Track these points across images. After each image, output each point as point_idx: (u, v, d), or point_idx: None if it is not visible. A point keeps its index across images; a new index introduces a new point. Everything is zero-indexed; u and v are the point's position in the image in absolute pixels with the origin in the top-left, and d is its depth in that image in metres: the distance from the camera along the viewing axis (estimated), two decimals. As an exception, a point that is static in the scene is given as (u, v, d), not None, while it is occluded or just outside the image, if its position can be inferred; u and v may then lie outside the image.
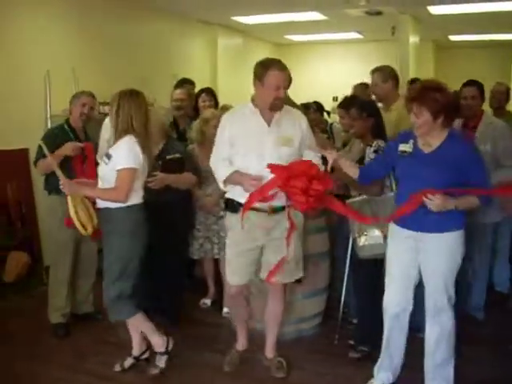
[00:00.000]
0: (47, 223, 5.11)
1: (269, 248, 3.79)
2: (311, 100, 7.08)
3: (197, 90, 6.35)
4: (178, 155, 4.67)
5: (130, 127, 3.67)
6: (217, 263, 5.17)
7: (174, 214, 4.55)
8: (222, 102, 9.29)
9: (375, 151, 4.07)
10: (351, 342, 4.32)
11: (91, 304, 4.93)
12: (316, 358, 4.33)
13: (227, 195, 3.85)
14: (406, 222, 3.46)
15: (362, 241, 4.03)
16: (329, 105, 8.67)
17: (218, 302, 5.17)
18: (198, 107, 5.93)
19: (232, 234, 3.85)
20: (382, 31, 9.95)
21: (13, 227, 5.74)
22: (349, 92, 6.67)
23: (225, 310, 5.01)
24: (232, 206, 3.78)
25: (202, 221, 5.03)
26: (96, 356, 4.32)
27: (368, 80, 5.31)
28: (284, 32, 11.57)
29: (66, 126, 4.64)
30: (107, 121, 5.77)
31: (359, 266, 4.19)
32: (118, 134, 3.69)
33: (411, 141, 3.48)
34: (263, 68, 3.65)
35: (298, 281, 4.12)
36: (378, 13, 8.81)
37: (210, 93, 6.06)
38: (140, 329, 3.98)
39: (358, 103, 4.43)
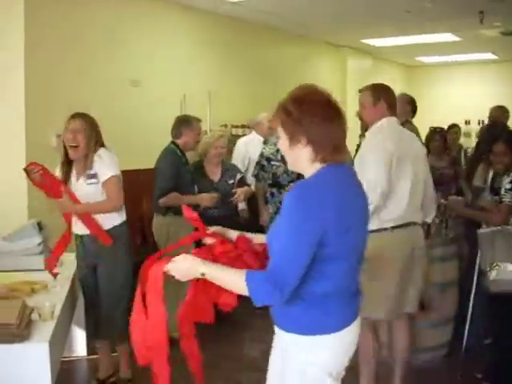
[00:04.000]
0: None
1: None
2: (440, 124, 6.93)
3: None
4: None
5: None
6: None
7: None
8: (350, 123, 9.31)
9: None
10: (478, 376, 4.15)
11: None
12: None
13: None
14: None
15: (493, 275, 3.85)
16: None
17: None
18: None
19: None
20: (518, 51, 9.60)
21: (146, 242, 6.04)
22: (485, 115, 6.48)
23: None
24: None
25: None
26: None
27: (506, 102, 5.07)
28: (415, 53, 11.43)
29: (178, 151, 4.79)
30: (240, 142, 6.05)
31: (496, 301, 4.00)
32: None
33: None
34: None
35: (423, 307, 4.04)
36: (515, 33, 8.49)
37: None
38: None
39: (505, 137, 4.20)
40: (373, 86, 3.74)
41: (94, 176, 3.68)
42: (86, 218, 3.70)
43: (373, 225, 3.35)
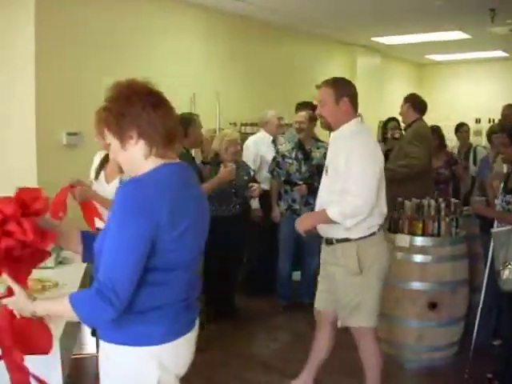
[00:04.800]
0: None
1: None
2: (451, 123, 6.92)
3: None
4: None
5: None
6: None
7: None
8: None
9: None
10: (489, 376, 4.13)
11: None
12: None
13: None
14: None
15: (505, 274, 3.82)
16: (471, 127, 8.39)
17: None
18: None
19: None
20: (530, 50, 9.56)
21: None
22: (495, 113, 6.46)
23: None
24: None
25: None
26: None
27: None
28: (425, 52, 11.38)
29: (185, 151, 4.76)
30: (249, 142, 6.06)
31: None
32: None
33: None
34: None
35: (433, 306, 4.02)
36: (526, 31, 8.44)
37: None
38: None
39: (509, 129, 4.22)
40: (334, 82, 3.49)
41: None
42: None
43: (359, 232, 3.39)
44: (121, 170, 3.56)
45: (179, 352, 2.08)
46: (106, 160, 3.76)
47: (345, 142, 3.40)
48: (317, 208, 3.60)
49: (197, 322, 2.19)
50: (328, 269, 3.59)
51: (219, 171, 4.82)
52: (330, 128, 3.59)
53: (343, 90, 3.44)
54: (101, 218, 3.45)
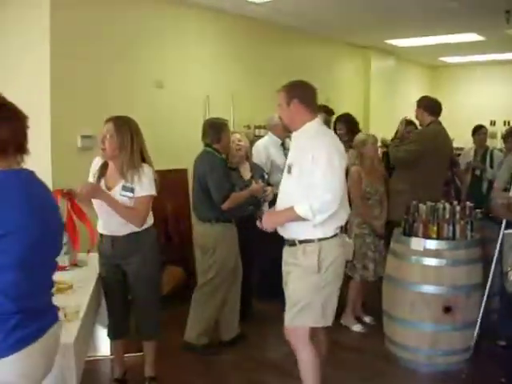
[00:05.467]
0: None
1: None
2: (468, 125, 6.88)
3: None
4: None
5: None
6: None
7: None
8: (373, 123, 9.31)
9: None
10: (502, 380, 4.10)
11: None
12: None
13: None
14: None
15: None
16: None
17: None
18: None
19: None
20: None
21: (170, 242, 6.09)
22: (511, 115, 6.44)
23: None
24: None
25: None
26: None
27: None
28: (438, 54, 11.31)
29: (218, 154, 4.79)
30: (259, 146, 6.04)
31: None
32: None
33: None
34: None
35: (448, 310, 4.00)
36: (541, 33, 8.37)
37: (342, 121, 6.23)
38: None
39: None
40: (287, 85, 3.59)
41: (131, 190, 3.64)
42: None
43: (323, 233, 3.42)
44: (121, 177, 3.62)
45: (31, 362, 2.10)
46: (105, 167, 3.77)
47: (310, 141, 3.45)
48: (278, 208, 3.59)
49: (51, 330, 2.21)
50: (286, 269, 3.59)
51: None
52: (287, 129, 3.78)
53: (293, 92, 3.52)
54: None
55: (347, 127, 6.13)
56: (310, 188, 3.33)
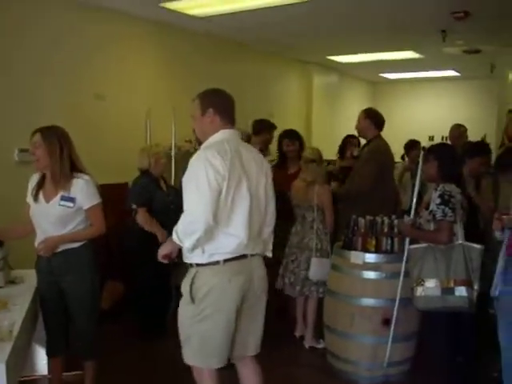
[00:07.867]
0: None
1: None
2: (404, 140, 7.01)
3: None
4: None
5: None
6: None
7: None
8: (315, 138, 9.38)
9: (440, 196, 3.80)
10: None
11: None
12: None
13: None
14: None
15: (418, 291, 3.80)
16: (425, 144, 8.54)
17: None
18: (282, 151, 6.02)
19: None
20: (480, 69, 9.84)
21: (111, 258, 5.98)
22: (448, 131, 6.63)
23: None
24: None
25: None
26: None
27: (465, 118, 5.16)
28: (379, 70, 11.58)
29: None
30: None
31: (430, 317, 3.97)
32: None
33: None
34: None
35: (387, 322, 4.04)
36: (477, 51, 8.66)
37: (292, 136, 6.01)
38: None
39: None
40: (201, 93, 3.30)
41: (71, 200, 3.59)
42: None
43: (197, 258, 3.08)
44: (56, 185, 3.57)
45: None
46: (42, 179, 3.72)
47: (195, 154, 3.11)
48: None
49: None
50: None
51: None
52: (200, 142, 3.40)
53: (209, 100, 3.24)
54: None
55: (300, 143, 5.96)
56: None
